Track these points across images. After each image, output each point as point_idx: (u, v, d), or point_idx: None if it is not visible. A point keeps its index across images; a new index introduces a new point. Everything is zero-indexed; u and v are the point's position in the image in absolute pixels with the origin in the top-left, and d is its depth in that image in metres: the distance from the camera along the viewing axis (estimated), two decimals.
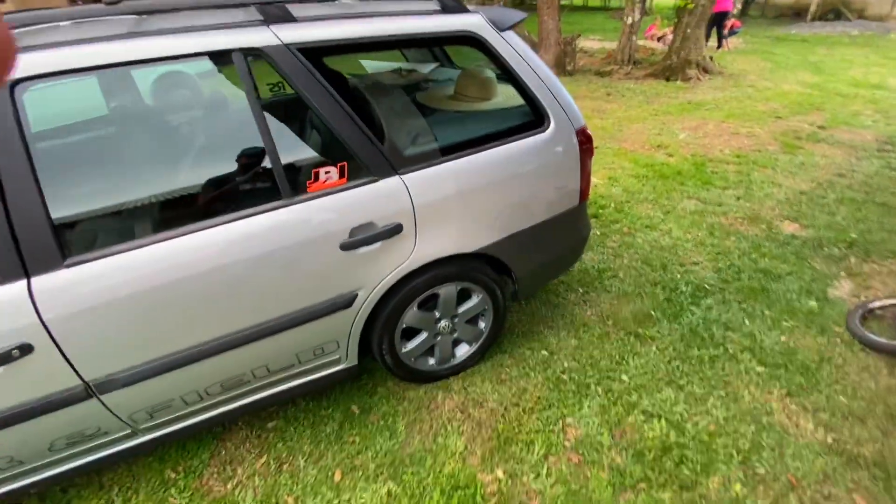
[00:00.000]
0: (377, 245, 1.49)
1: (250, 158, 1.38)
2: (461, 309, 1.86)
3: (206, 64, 1.33)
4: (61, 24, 1.38)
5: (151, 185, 1.35)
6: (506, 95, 1.95)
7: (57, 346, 1.20)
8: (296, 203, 1.38)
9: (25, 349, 1.16)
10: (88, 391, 1.31)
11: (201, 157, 1.42)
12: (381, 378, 2.01)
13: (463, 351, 1.99)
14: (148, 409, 1.44)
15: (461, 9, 1.58)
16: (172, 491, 1.61)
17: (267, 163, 1.34)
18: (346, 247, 1.44)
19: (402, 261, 1.57)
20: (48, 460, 1.39)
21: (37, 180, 1.12)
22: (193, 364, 1.39)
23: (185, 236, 1.28)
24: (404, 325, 1.76)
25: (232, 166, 1.41)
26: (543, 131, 1.72)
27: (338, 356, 1.68)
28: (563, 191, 1.83)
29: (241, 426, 1.84)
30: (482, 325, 1.98)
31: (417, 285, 1.66)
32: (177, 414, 1.50)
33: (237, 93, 1.30)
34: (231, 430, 1.83)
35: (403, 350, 1.81)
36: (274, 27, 1.33)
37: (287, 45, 1.33)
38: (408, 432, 1.78)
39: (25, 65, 1.10)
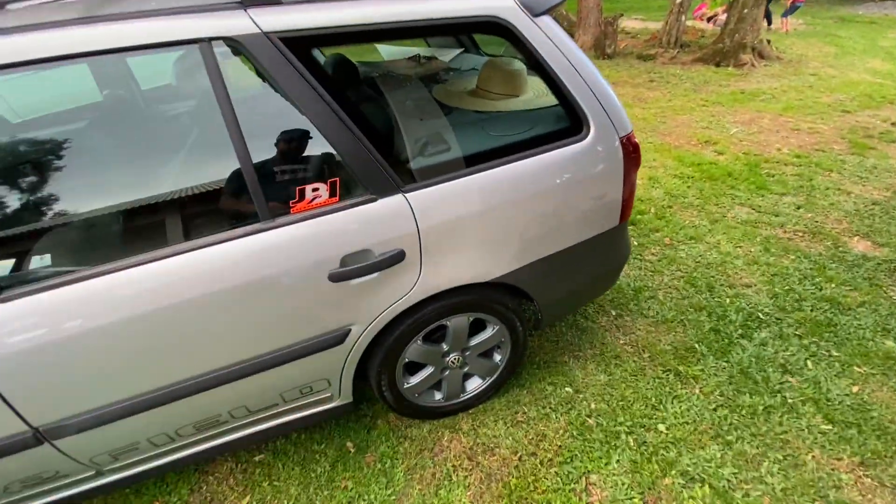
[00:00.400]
0: (374, 276, 1.25)
1: (219, 173, 1.15)
2: (473, 341, 1.61)
3: (169, 55, 1.10)
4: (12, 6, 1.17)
5: (96, 203, 1.14)
6: (537, 92, 1.66)
7: None
8: (275, 227, 1.15)
9: None
10: (38, 437, 1.14)
11: (157, 171, 1.20)
12: (381, 409, 1.80)
13: (474, 385, 1.76)
14: (111, 453, 1.27)
15: None
16: None
17: (240, 179, 1.11)
18: (335, 278, 1.20)
19: (404, 293, 1.33)
20: (5, 502, 1.25)
21: None
22: (159, 407, 1.21)
23: (142, 266, 1.07)
24: (407, 360, 1.53)
25: (196, 182, 1.19)
26: (581, 139, 1.42)
27: (329, 394, 1.47)
28: (601, 209, 1.54)
29: (226, 457, 1.67)
30: (497, 358, 1.73)
31: (423, 317, 1.42)
32: (145, 455, 1.33)
33: (204, 91, 1.06)
34: (215, 460, 1.66)
35: (406, 385, 1.59)
36: (252, 11, 1.08)
37: (266, 34, 1.07)
38: (407, 480, 1.57)
39: None
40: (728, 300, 2.29)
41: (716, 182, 3.45)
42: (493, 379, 1.75)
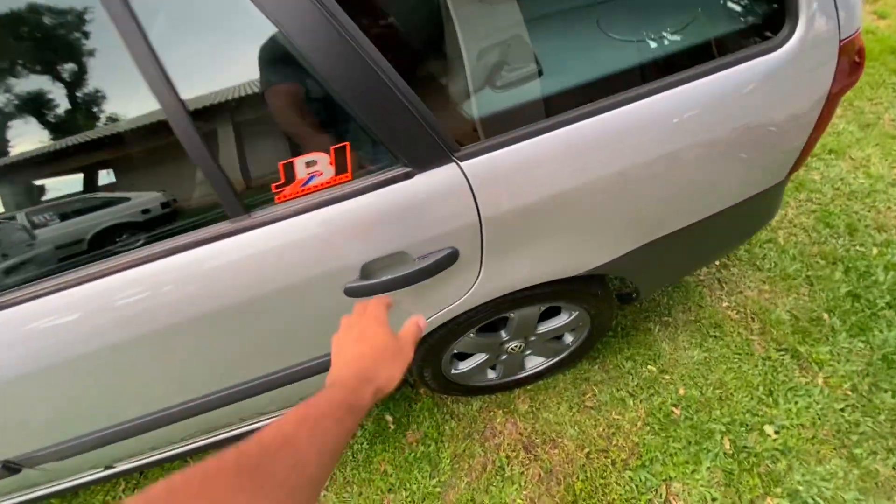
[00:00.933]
0: (412, 287, 0.84)
1: (140, 139, 0.69)
2: (542, 328, 1.24)
3: None
4: None
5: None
6: None
7: None
8: (251, 226, 0.72)
9: None
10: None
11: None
12: None
13: (536, 363, 1.43)
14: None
15: None
16: None
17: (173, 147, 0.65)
18: (353, 293, 0.80)
19: (454, 301, 0.93)
20: None
21: None
22: (142, 435, 0.96)
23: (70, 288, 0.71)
24: (455, 351, 1.20)
25: (110, 153, 0.73)
26: (778, 46, 0.80)
27: None
28: (773, 159, 0.97)
29: None
30: (569, 339, 1.36)
31: (478, 316, 1.04)
32: (134, 462, 1.16)
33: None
34: None
35: (454, 372, 1.29)
36: None
37: None
38: (453, 469, 1.37)
39: None
40: (875, 250, 1.73)
41: (873, 63, 2.52)
42: (559, 358, 1.41)
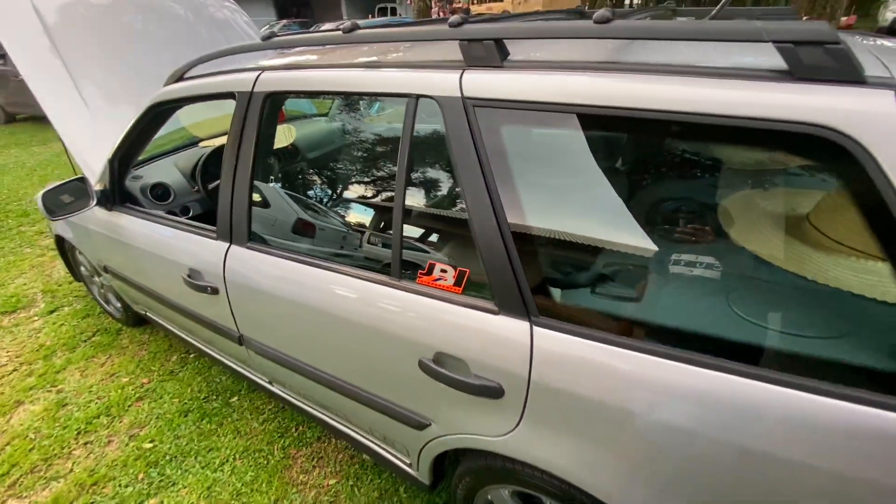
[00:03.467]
0: (462, 394, 1.03)
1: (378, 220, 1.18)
2: None
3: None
4: None
5: None
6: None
7: None
8: (398, 288, 1.10)
9: None
10: None
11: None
12: None
13: None
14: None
15: (851, 75, 0.69)
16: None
17: (390, 230, 1.10)
18: (422, 367, 1.06)
19: (490, 434, 1.04)
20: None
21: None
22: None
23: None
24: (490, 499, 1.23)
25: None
26: None
27: (409, 461, 1.37)
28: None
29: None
30: None
31: (511, 470, 1.09)
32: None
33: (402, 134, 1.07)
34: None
35: None
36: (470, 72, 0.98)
37: (464, 99, 0.97)
38: None
39: None
40: None
41: None
42: None
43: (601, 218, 1.01)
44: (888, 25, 17.49)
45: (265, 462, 1.79)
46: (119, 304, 2.48)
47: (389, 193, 1.12)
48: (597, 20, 0.84)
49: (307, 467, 1.77)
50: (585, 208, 1.05)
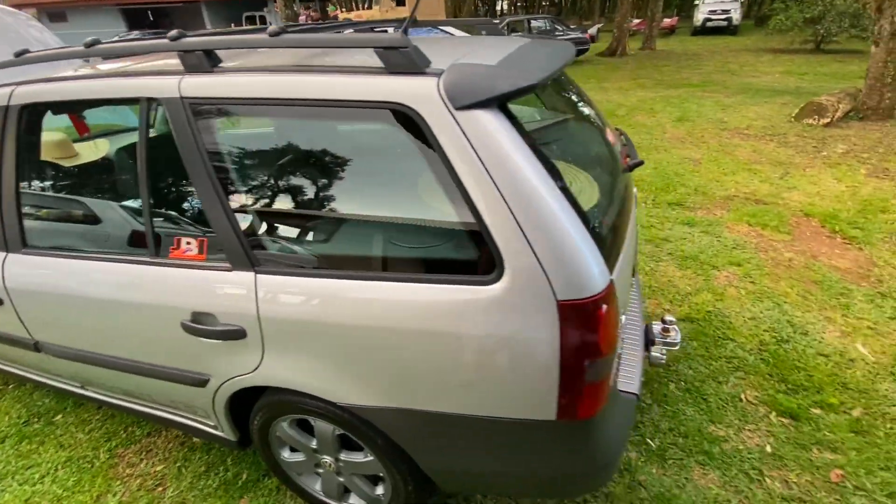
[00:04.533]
0: (218, 342, 1.24)
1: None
2: (345, 457, 1.39)
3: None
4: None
5: None
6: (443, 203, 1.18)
7: None
8: (156, 264, 1.28)
9: None
10: None
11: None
12: None
13: (355, 501, 1.51)
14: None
15: (415, 68, 1.03)
16: None
17: (141, 215, 1.28)
18: (186, 329, 1.25)
19: (246, 371, 1.26)
20: None
21: None
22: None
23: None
24: (279, 436, 1.45)
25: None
26: (488, 283, 1.00)
27: (213, 423, 1.54)
28: (516, 387, 1.05)
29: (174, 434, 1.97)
30: (379, 491, 1.43)
31: (277, 401, 1.33)
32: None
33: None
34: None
35: (281, 457, 1.51)
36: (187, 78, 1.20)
37: (182, 99, 1.18)
38: None
39: None
40: None
41: None
42: None
43: (287, 189, 1.26)
44: (699, 25, 21.01)
45: (89, 466, 1.83)
46: None
47: (137, 188, 1.29)
48: (270, 34, 1.11)
49: (134, 461, 1.84)
50: (280, 182, 1.29)
